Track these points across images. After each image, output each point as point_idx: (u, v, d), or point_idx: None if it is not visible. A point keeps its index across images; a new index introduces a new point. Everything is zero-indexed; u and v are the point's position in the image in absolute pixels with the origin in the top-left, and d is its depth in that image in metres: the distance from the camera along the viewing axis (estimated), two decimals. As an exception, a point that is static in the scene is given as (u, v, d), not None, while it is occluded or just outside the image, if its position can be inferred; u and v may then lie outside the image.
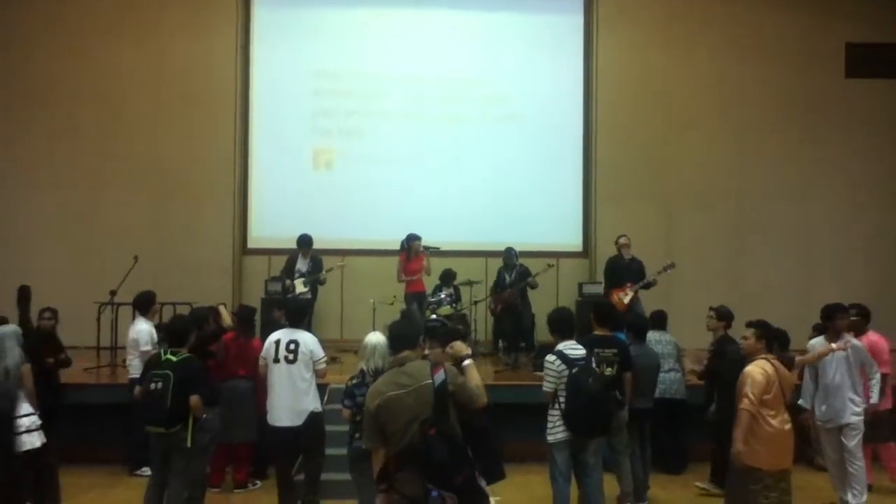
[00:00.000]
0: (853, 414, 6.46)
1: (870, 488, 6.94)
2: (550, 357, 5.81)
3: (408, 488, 3.88)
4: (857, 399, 6.50)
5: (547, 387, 5.80)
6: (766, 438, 5.28)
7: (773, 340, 5.74)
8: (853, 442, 6.46)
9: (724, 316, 7.62)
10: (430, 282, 10.45)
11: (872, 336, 7.12)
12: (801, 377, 6.88)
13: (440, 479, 3.84)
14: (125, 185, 11.64)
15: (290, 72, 12.06)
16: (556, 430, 5.79)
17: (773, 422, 5.29)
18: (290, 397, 6.57)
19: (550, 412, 5.82)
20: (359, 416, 5.67)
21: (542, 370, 6.07)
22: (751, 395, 5.26)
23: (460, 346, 4.64)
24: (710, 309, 7.78)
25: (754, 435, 5.28)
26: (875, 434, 7.01)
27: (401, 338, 4.29)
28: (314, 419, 6.64)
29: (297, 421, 6.55)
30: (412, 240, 10.42)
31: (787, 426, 5.36)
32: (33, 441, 6.82)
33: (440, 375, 4.07)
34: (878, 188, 12.24)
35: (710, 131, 12.13)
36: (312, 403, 6.65)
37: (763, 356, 5.46)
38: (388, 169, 11.99)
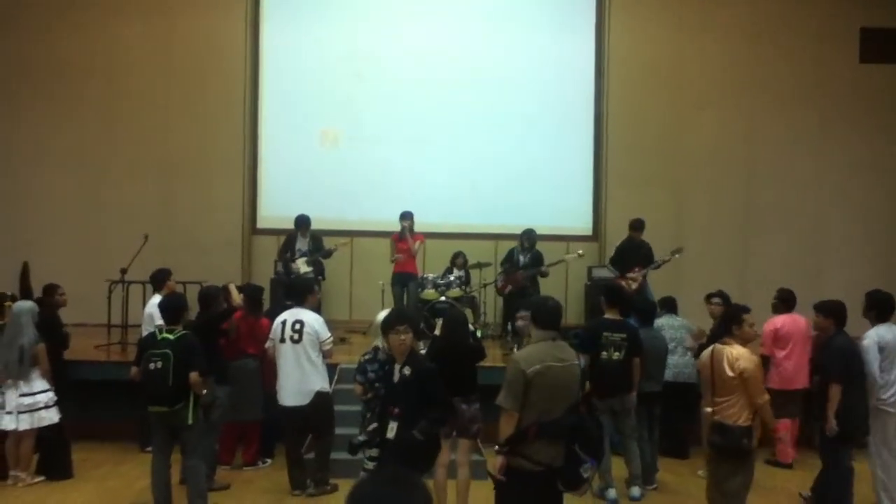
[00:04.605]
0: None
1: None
2: None
3: (543, 455, 4.09)
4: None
5: None
6: None
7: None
8: None
9: (727, 300, 7.52)
10: (429, 265, 10.34)
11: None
12: None
13: (594, 451, 4.16)
14: (134, 164, 11.60)
15: (299, 49, 11.94)
16: None
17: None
18: (297, 377, 6.62)
19: None
20: (370, 393, 5.72)
21: None
22: None
23: None
24: (712, 296, 7.81)
25: None
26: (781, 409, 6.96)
27: (555, 317, 4.40)
28: (321, 399, 6.69)
29: (304, 400, 6.61)
30: (401, 218, 10.13)
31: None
32: (52, 416, 6.97)
33: (582, 359, 4.55)
34: (890, 174, 12.12)
35: (722, 114, 12.02)
36: (319, 383, 6.70)
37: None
38: (398, 150, 11.90)
